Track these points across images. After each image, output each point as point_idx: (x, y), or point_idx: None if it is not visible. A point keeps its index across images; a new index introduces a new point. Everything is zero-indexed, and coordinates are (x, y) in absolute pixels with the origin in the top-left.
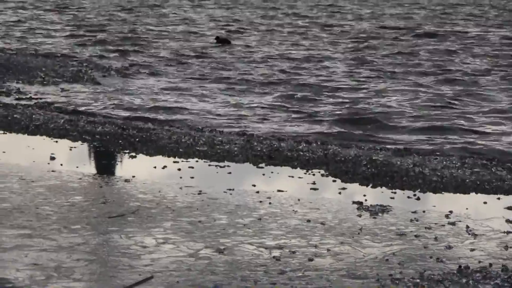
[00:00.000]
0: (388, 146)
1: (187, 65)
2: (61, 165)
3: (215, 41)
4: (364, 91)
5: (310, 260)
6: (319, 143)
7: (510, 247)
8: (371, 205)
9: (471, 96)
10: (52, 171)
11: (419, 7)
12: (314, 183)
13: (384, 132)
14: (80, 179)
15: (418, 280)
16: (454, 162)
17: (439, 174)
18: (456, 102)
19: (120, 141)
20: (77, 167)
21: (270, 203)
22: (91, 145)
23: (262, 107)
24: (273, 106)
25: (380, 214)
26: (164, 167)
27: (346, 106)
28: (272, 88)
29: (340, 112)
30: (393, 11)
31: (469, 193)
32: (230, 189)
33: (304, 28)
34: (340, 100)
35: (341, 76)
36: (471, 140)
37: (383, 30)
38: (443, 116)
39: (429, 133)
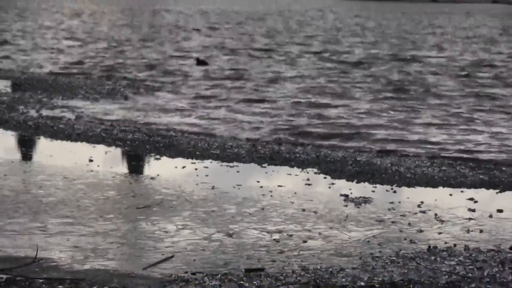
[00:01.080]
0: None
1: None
2: (98, 166)
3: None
4: None
5: (304, 242)
6: (312, 146)
7: (471, 231)
8: (355, 197)
9: None
10: (91, 171)
11: None
12: (308, 180)
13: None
14: (113, 177)
15: (394, 258)
16: (424, 162)
17: (412, 171)
18: None
19: (147, 146)
20: (111, 167)
21: (271, 196)
22: (123, 150)
23: None
24: None
25: (363, 204)
26: (184, 167)
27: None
28: None
29: None
30: None
31: (437, 187)
32: (238, 185)
33: None
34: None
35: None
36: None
37: None
38: None
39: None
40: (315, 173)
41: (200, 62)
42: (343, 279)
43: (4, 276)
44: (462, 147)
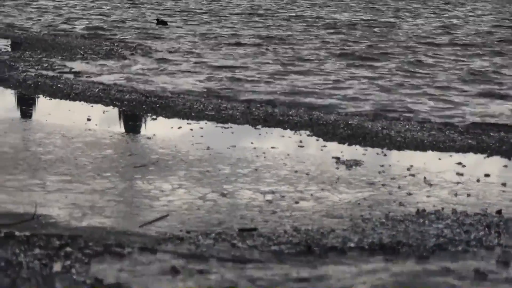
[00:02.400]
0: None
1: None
2: (96, 125)
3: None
4: None
5: (296, 203)
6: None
7: (459, 195)
8: (346, 159)
9: None
10: (88, 129)
11: None
12: (301, 142)
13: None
14: (111, 136)
15: (383, 220)
16: (414, 126)
17: (402, 135)
18: None
19: (143, 106)
20: (108, 127)
21: (265, 157)
22: (120, 109)
23: None
24: None
25: (354, 167)
26: (179, 127)
27: None
28: None
29: None
30: None
31: (426, 151)
32: (232, 146)
33: None
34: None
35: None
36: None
37: None
38: None
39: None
40: (308, 135)
41: (159, 22)
42: (334, 240)
43: (4, 231)
44: (450, 113)
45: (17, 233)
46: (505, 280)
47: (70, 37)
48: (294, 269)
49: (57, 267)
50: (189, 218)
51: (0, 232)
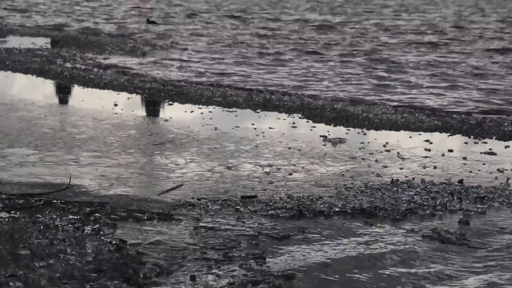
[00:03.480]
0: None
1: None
2: (121, 109)
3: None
4: None
5: (290, 174)
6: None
7: (427, 167)
8: (332, 138)
9: None
10: (115, 113)
11: None
12: (294, 123)
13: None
14: (134, 119)
15: (363, 189)
16: (389, 109)
17: (379, 117)
18: None
19: (161, 94)
20: (132, 111)
21: (263, 136)
22: (142, 96)
23: None
24: None
25: (338, 144)
26: (192, 111)
27: None
28: None
29: None
30: None
31: (399, 131)
32: (236, 126)
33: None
34: None
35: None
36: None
37: None
38: None
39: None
40: (299, 117)
41: (150, 22)
42: (321, 206)
43: (44, 199)
44: (420, 99)
45: (54, 201)
46: (463, 237)
47: (99, 36)
48: (288, 226)
49: (87, 229)
50: (199, 188)
51: (40, 200)
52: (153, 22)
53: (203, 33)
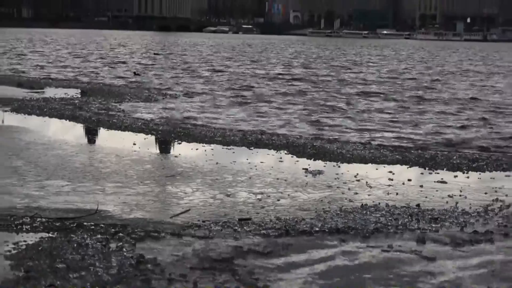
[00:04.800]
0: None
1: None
2: (139, 148)
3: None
4: None
5: (278, 200)
6: (285, 135)
7: (390, 193)
8: (312, 170)
9: None
10: (134, 151)
11: None
12: (281, 158)
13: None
14: (149, 155)
15: (338, 212)
16: (359, 146)
17: (351, 153)
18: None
19: (172, 135)
20: (148, 149)
21: (256, 169)
22: (156, 137)
23: None
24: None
25: (318, 175)
26: (197, 148)
27: None
28: None
29: None
30: None
31: (367, 164)
32: (233, 161)
33: None
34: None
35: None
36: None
37: None
38: None
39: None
40: (286, 153)
41: (136, 74)
42: (304, 226)
43: (76, 222)
44: (385, 136)
45: (85, 223)
46: (423, 251)
47: (120, 87)
48: (279, 243)
49: (112, 247)
50: (204, 212)
51: (73, 223)
52: (138, 75)
53: (198, 88)
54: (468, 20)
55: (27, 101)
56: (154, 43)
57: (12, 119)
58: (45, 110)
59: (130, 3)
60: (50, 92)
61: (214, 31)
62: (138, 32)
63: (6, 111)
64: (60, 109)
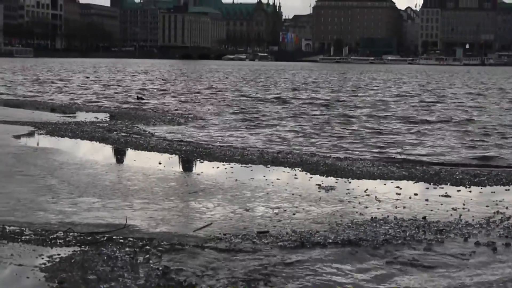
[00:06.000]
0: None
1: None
2: (164, 166)
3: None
4: None
5: (294, 214)
6: (299, 153)
7: (398, 207)
8: (325, 186)
9: None
10: (159, 169)
11: None
12: (295, 175)
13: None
14: (174, 173)
15: (350, 224)
16: (368, 163)
17: (360, 169)
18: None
19: (194, 154)
20: (172, 167)
21: (273, 185)
22: (180, 156)
23: None
24: None
25: (330, 190)
26: (218, 167)
27: None
28: None
29: None
30: None
31: (376, 179)
32: (252, 178)
33: None
34: None
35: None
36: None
37: None
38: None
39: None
40: (300, 171)
41: (139, 98)
42: (318, 238)
43: (106, 236)
44: (391, 152)
45: (114, 237)
46: (429, 260)
47: (145, 111)
48: (293, 255)
49: (140, 259)
50: (225, 225)
51: (103, 237)
52: (141, 99)
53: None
54: (467, 46)
55: (60, 124)
56: (176, 69)
57: (46, 141)
58: (77, 132)
59: (155, 34)
60: (81, 116)
61: (232, 59)
62: (162, 61)
63: (41, 134)
64: (90, 131)
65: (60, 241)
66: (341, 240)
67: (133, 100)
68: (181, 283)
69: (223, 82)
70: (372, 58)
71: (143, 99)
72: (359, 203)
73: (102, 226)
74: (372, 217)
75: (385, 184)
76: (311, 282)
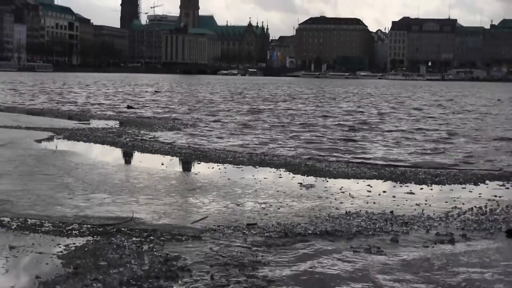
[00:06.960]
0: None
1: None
2: (166, 167)
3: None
4: None
5: (278, 209)
6: (283, 156)
7: (368, 203)
8: (306, 184)
9: None
10: (162, 170)
11: None
12: (280, 175)
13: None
14: (175, 173)
15: (327, 218)
16: (343, 165)
17: (336, 170)
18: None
19: (193, 156)
20: (173, 168)
21: (260, 183)
22: (180, 158)
23: None
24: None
25: (310, 188)
26: (213, 167)
27: None
28: None
29: None
30: None
31: (350, 179)
32: (242, 177)
33: None
34: None
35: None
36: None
37: None
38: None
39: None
40: (284, 171)
41: (129, 107)
42: (300, 229)
43: (116, 227)
44: (363, 156)
45: (122, 228)
46: (396, 248)
47: (149, 119)
48: (278, 242)
49: (145, 247)
50: (219, 218)
51: (113, 228)
52: (132, 107)
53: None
54: (429, 63)
55: (76, 130)
56: (176, 82)
57: (64, 145)
58: (90, 137)
59: (159, 52)
60: (94, 123)
61: (226, 74)
62: (165, 75)
63: (59, 138)
64: (102, 136)
65: (75, 232)
66: (319, 231)
67: (125, 109)
68: (181, 268)
69: (217, 92)
70: (348, 73)
71: (133, 107)
72: (335, 199)
73: (112, 218)
74: (346, 211)
75: (357, 183)
76: (293, 268)
